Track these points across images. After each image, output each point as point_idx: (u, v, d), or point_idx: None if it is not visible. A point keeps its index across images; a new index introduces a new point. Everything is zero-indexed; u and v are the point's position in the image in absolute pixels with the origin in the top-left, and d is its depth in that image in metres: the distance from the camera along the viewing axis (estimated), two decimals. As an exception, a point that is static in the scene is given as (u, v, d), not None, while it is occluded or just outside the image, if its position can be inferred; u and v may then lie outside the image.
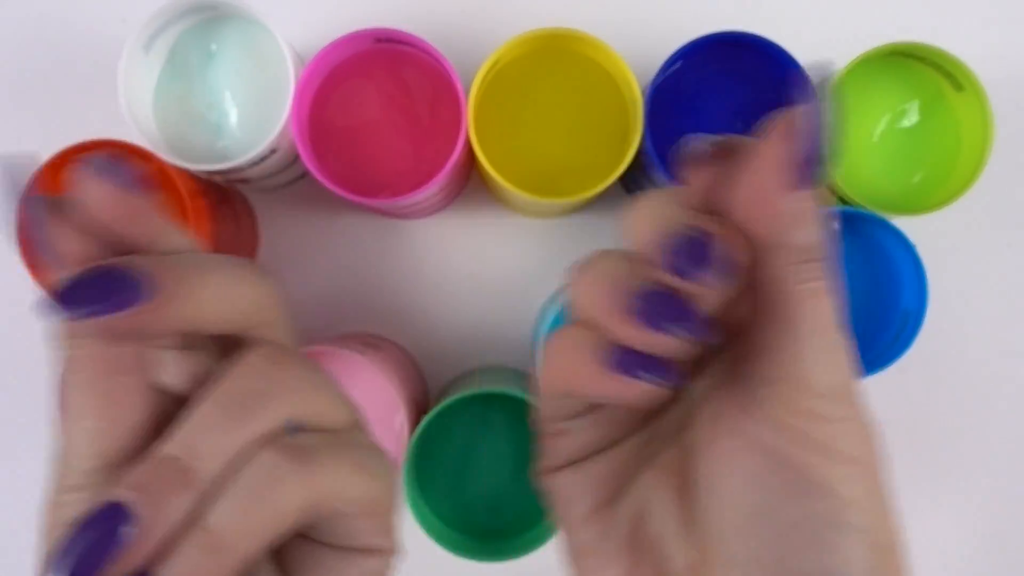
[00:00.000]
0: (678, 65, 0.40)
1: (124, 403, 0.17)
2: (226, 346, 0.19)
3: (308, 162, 0.38)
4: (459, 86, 0.38)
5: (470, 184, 0.48)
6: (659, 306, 0.17)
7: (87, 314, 0.15)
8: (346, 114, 0.40)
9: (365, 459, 0.19)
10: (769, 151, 0.17)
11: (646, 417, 0.21)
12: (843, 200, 0.40)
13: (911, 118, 0.42)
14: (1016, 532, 0.48)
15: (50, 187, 0.39)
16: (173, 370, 0.18)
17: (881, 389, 0.47)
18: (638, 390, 0.17)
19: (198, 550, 0.16)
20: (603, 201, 0.48)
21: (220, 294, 0.17)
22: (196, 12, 0.40)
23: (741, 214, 0.18)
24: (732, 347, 0.19)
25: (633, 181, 0.46)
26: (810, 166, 0.17)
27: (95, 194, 0.16)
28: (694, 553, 0.19)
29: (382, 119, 0.41)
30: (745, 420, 0.18)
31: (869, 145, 0.42)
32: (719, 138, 0.19)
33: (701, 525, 0.19)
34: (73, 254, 0.16)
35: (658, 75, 0.39)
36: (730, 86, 0.41)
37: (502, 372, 0.46)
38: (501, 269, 0.48)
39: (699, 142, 0.19)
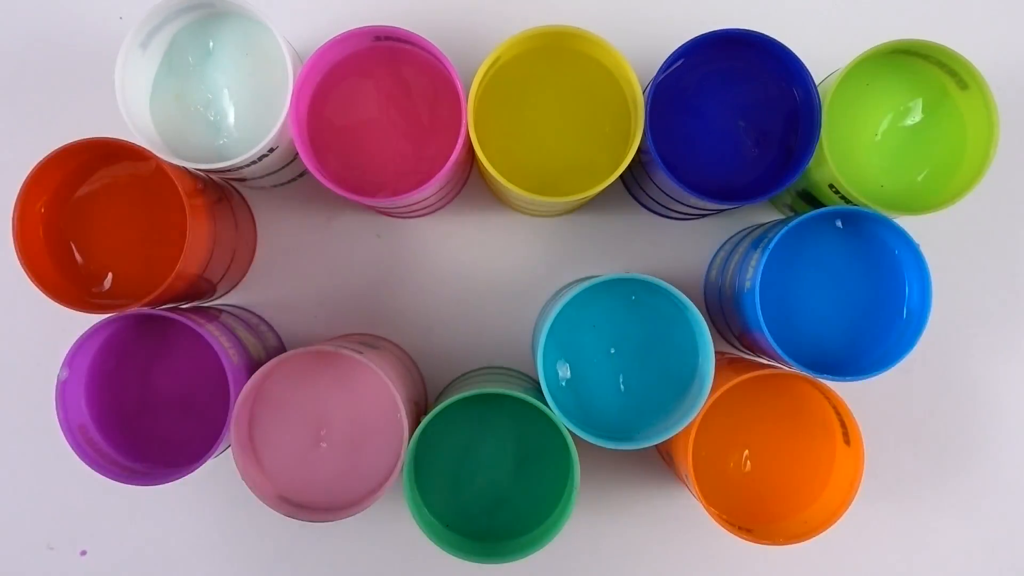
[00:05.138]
0: (680, 63, 0.40)
1: None
2: None
3: (307, 161, 0.38)
4: (459, 84, 0.38)
5: (470, 183, 0.48)
6: None
7: None
8: (345, 112, 0.40)
9: None
10: None
11: None
12: (846, 199, 0.39)
13: (915, 116, 0.41)
14: (1020, 532, 0.48)
15: (45, 185, 0.38)
16: None
17: (885, 389, 0.47)
18: None
19: None
20: (603, 200, 0.47)
21: None
22: (194, 9, 0.40)
23: None
24: None
25: (634, 180, 0.46)
26: None
27: None
28: None
29: (381, 117, 0.40)
30: None
31: (872, 144, 0.41)
32: None
33: None
34: None
35: (659, 73, 0.39)
36: (732, 84, 0.41)
37: (502, 372, 0.46)
38: (501, 268, 0.48)
39: None
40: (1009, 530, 0.48)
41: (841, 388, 0.39)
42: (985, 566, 0.48)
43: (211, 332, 0.38)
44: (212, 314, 0.42)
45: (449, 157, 0.37)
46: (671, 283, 0.37)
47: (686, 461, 0.38)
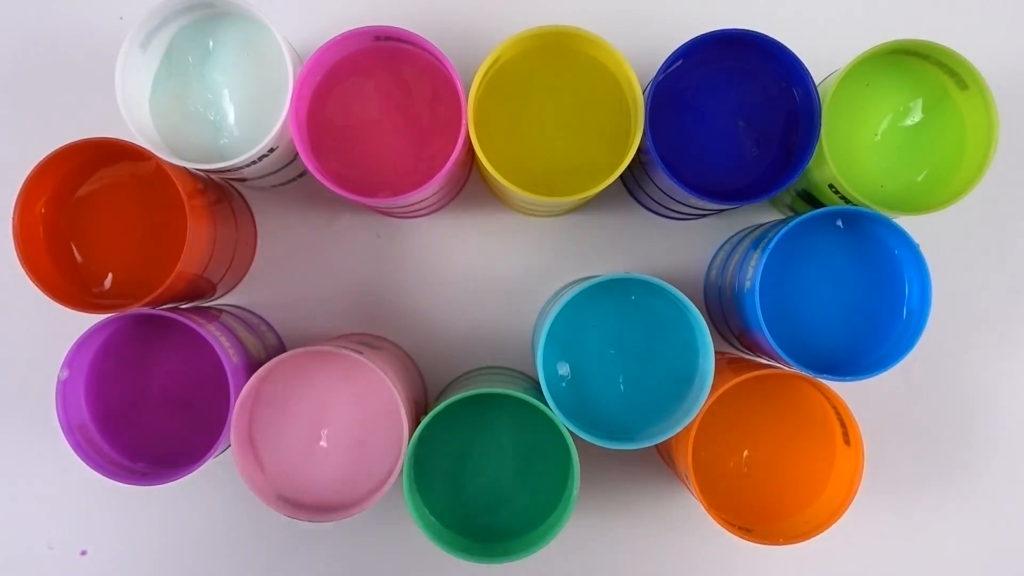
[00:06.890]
0: (679, 63, 0.40)
1: None
2: None
3: (307, 161, 0.38)
4: (459, 84, 0.38)
5: (470, 183, 0.48)
6: None
7: None
8: (345, 113, 0.40)
9: None
10: None
11: None
12: (846, 199, 0.39)
13: (915, 116, 0.41)
14: (1020, 533, 0.48)
15: (45, 185, 0.38)
16: None
17: (884, 390, 0.47)
18: None
19: None
20: (603, 200, 0.47)
21: None
22: (194, 9, 0.40)
23: None
24: None
25: (634, 180, 0.46)
26: None
27: None
28: None
29: (381, 117, 0.40)
30: None
31: (872, 144, 0.41)
32: None
33: None
34: None
35: (659, 73, 0.39)
36: (732, 84, 0.41)
37: (502, 372, 0.46)
38: (501, 269, 0.48)
39: None
40: (1009, 530, 0.48)
41: (841, 388, 0.39)
42: (985, 566, 0.48)
43: (211, 332, 0.38)
44: (212, 314, 0.42)
45: (449, 157, 0.37)
46: (671, 283, 0.37)
47: (686, 461, 0.38)
